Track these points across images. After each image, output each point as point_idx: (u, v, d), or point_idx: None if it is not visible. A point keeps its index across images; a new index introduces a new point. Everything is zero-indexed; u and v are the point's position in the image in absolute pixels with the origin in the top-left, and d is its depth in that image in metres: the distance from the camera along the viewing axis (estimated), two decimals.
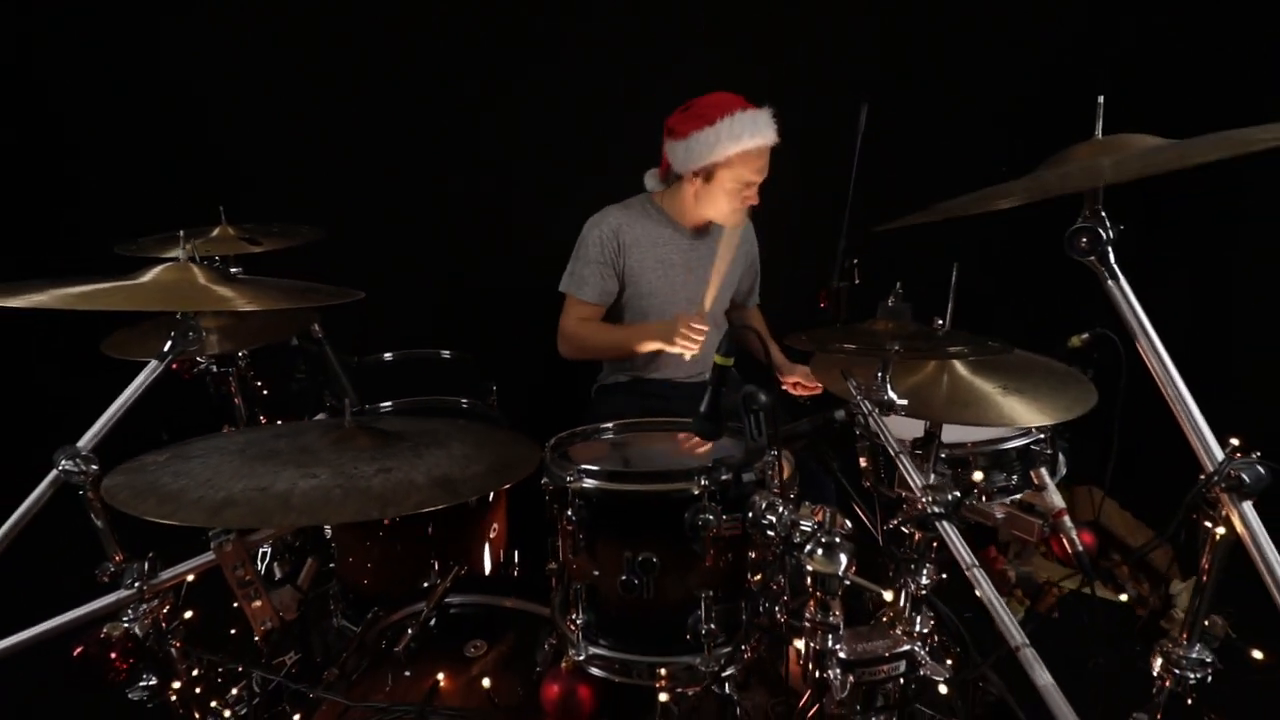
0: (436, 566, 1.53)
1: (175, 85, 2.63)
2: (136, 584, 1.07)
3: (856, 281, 2.21)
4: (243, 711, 1.17)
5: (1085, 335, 1.44)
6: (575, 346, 1.98)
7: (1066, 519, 1.21)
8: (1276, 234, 2.68)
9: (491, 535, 1.73)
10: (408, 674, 1.13)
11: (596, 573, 0.98)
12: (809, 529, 0.88)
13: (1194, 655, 0.92)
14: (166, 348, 1.20)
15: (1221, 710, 1.01)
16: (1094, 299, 1.06)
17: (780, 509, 0.91)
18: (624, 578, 0.94)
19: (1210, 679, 0.93)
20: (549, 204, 2.56)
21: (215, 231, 1.91)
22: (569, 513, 0.96)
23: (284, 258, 1.97)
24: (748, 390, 0.91)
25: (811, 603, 0.89)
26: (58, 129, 2.67)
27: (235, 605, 1.40)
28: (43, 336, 2.72)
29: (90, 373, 1.55)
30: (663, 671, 0.96)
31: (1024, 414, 1.10)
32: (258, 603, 1.16)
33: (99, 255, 1.69)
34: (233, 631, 1.47)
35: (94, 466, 1.10)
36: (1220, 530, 0.84)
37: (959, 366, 1.24)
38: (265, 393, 2.14)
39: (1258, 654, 0.96)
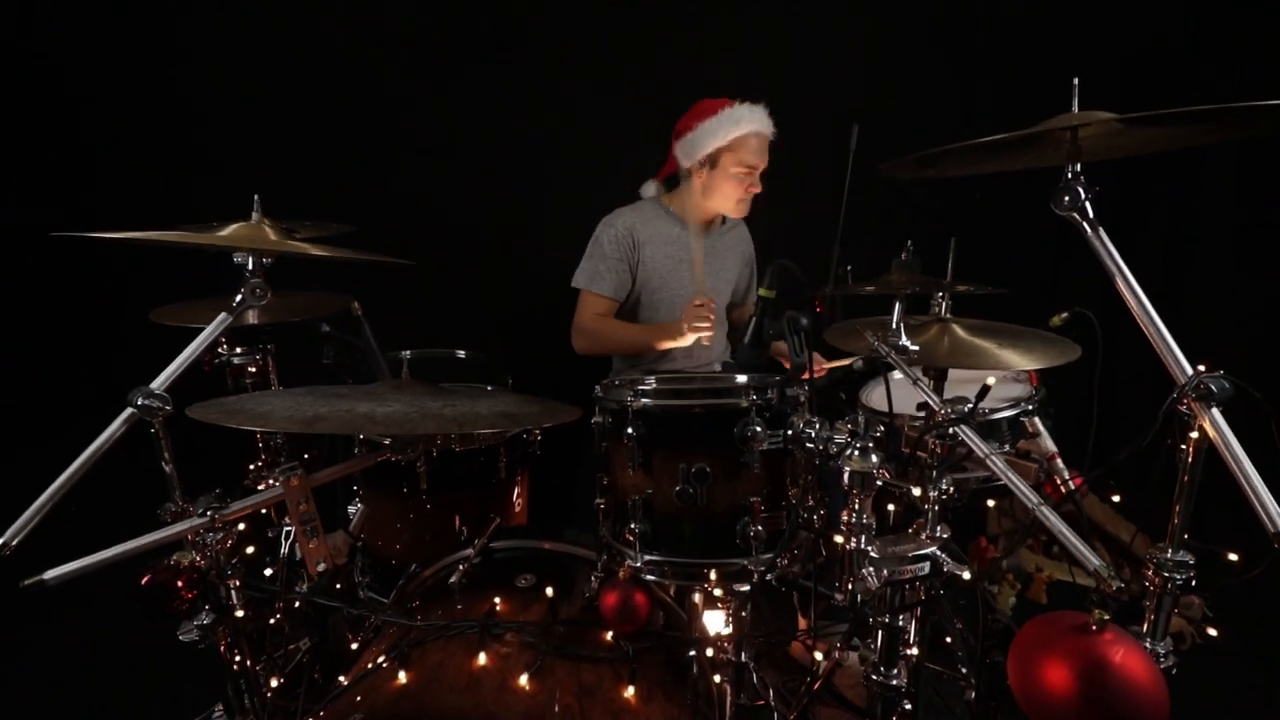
0: (465, 534, 1.59)
1: (189, 84, 2.75)
2: (208, 513, 1.13)
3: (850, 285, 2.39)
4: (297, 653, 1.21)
5: (1065, 314, 1.61)
6: (591, 340, 2.07)
7: (1059, 461, 1.34)
8: (1229, 212, 3.02)
9: (515, 510, 1.80)
10: (459, 607, 1.19)
11: (652, 488, 1.07)
12: (843, 440, 1.00)
13: (1177, 558, 1.04)
14: (236, 301, 1.28)
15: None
16: (1070, 285, 1.22)
17: (817, 425, 1.03)
18: (679, 487, 1.03)
19: (1192, 581, 1.05)
20: (558, 208, 2.69)
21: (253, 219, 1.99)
22: (628, 430, 1.06)
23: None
24: (791, 314, 1.03)
25: (846, 510, 1.00)
26: (75, 118, 2.77)
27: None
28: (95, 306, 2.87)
29: (140, 341, 1.62)
30: (713, 574, 1.04)
31: (1019, 360, 1.25)
32: (315, 541, 1.21)
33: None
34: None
35: (167, 406, 1.17)
36: (1194, 435, 0.98)
37: (959, 330, 1.39)
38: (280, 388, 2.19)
39: (1233, 556, 1.08)
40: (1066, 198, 1.08)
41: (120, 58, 2.75)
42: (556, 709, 0.94)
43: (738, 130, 1.92)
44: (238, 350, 2.07)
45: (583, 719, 0.95)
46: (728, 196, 2.01)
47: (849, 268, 2.40)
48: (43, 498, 1.10)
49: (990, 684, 1.31)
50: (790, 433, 1.04)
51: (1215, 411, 0.96)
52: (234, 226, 1.28)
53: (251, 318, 1.65)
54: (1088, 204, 1.07)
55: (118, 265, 2.89)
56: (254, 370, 2.08)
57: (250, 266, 1.33)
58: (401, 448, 1.32)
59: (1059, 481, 1.32)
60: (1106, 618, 0.76)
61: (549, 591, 1.13)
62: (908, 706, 1.19)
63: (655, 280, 2.07)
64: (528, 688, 0.97)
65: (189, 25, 2.75)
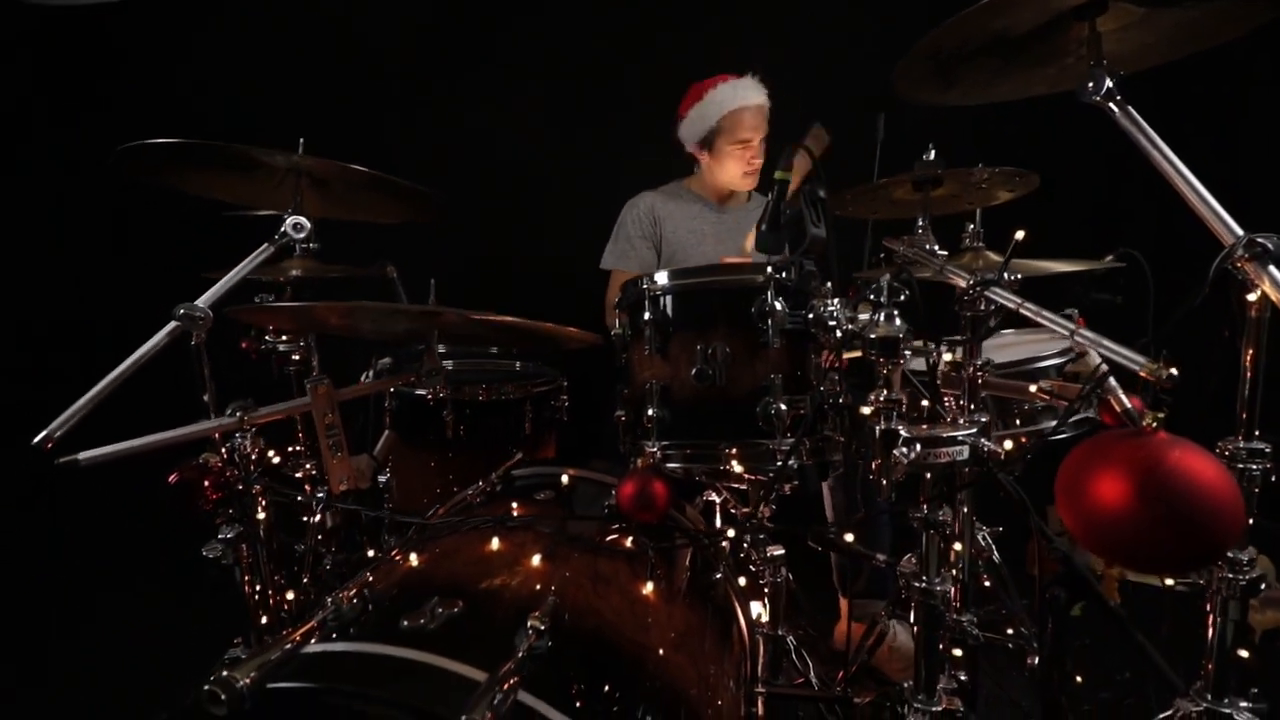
0: None
1: (192, 84, 2.87)
2: (238, 414, 1.15)
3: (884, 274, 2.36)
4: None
5: (1110, 256, 1.55)
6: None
7: (1111, 379, 1.24)
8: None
9: None
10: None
11: (670, 373, 1.05)
12: (866, 316, 0.96)
13: (1252, 446, 0.94)
14: (279, 233, 1.35)
15: None
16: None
17: (838, 303, 1.00)
18: (697, 368, 1.01)
19: (1272, 473, 0.95)
20: (589, 195, 2.73)
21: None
22: (645, 316, 1.05)
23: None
24: (807, 186, 1.02)
25: (874, 392, 0.95)
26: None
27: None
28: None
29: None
30: (733, 451, 0.99)
31: (1058, 265, 1.20)
32: (339, 455, 1.21)
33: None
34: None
35: (208, 319, 1.22)
36: (1252, 297, 0.91)
37: (992, 255, 1.35)
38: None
39: None
40: (1090, 84, 1.06)
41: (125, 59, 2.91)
42: (571, 589, 0.90)
43: (723, 110, 2.00)
44: (283, 338, 2.17)
45: (597, 599, 0.90)
46: (731, 172, 2.07)
47: (881, 255, 2.39)
48: (85, 398, 1.15)
49: (1053, 624, 1.19)
50: (812, 315, 1.01)
51: (1275, 270, 0.90)
52: (281, 155, 1.37)
53: (295, 270, 1.70)
54: (1112, 86, 1.05)
55: (177, 234, 3.02)
56: (298, 358, 2.16)
57: (292, 207, 1.41)
58: (428, 375, 1.33)
59: (1114, 402, 1.22)
60: (1161, 415, 0.69)
61: (565, 480, 1.10)
62: (960, 707, 1.08)
63: (680, 254, 2.12)
64: (540, 568, 0.92)
65: (187, 26, 2.88)
